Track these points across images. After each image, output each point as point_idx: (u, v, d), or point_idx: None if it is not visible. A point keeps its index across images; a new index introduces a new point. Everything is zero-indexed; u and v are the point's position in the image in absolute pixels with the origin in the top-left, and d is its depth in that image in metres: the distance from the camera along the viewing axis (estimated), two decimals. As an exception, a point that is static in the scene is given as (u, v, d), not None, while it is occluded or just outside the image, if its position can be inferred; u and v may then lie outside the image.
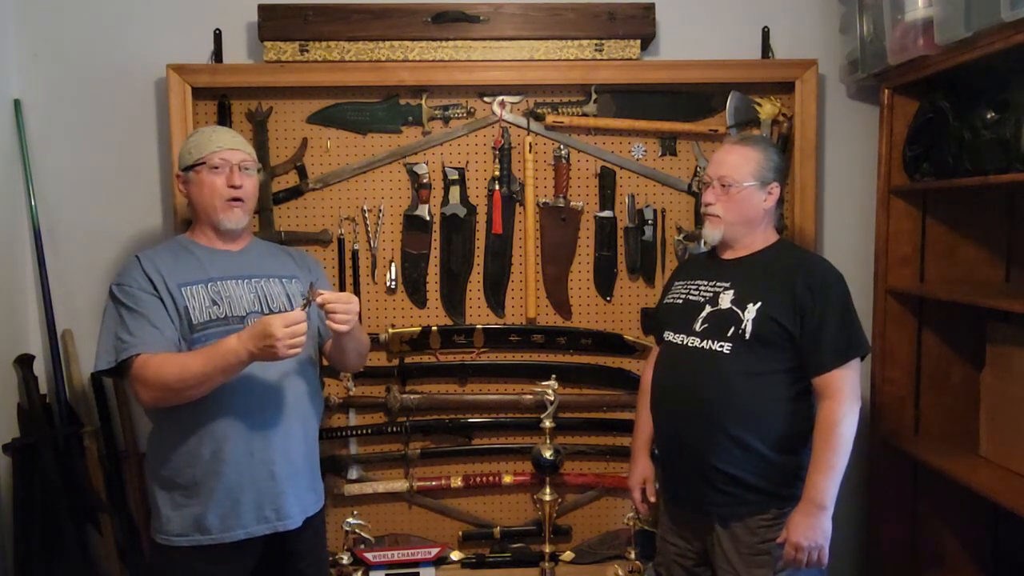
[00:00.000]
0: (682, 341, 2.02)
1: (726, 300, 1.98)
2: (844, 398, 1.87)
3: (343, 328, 1.84)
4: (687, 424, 1.97)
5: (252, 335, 1.71)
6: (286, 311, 1.87)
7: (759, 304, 1.93)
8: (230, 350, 1.73)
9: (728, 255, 2.07)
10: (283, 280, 2.00)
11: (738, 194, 1.99)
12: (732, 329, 1.93)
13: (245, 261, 1.98)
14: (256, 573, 1.94)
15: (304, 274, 2.06)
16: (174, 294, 1.86)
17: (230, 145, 1.93)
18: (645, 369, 2.26)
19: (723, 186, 2.00)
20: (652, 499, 2.19)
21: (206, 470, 1.84)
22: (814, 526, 1.86)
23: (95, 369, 1.84)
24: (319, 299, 1.80)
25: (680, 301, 2.09)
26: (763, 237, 2.05)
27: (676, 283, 2.17)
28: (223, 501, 1.84)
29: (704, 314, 2.00)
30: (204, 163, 1.91)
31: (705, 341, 1.97)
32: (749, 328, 1.91)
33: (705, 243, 2.12)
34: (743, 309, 1.94)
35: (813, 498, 1.87)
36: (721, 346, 1.94)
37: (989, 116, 2.16)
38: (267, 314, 1.86)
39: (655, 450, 2.18)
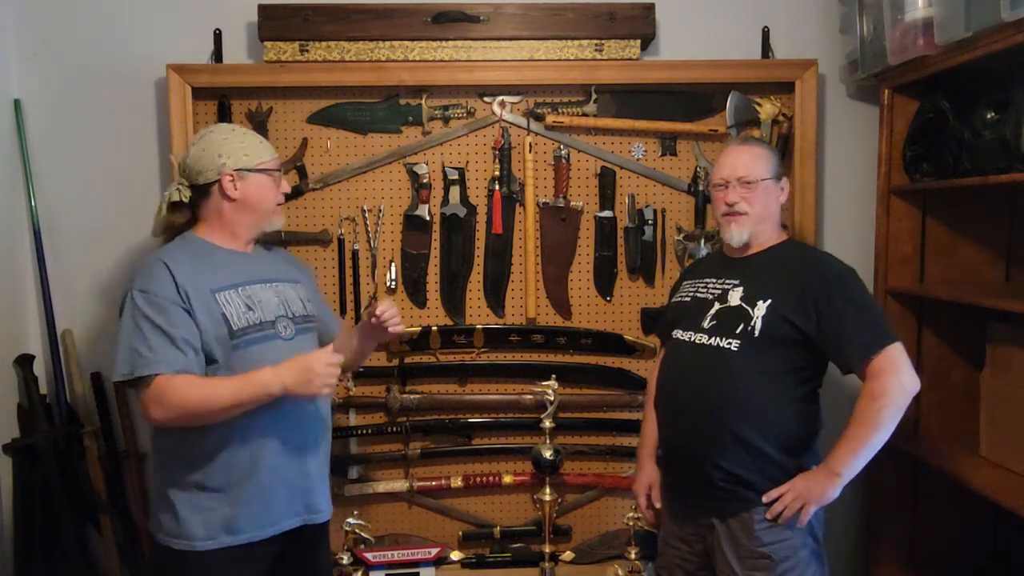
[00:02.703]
0: (689, 338, 2.01)
1: (735, 297, 1.97)
2: (883, 378, 1.82)
3: (400, 330, 2.02)
4: (691, 420, 1.96)
5: (293, 370, 1.74)
6: (303, 315, 1.95)
7: (769, 301, 1.92)
8: (264, 382, 1.73)
9: (735, 253, 2.06)
10: (292, 284, 1.99)
11: (760, 189, 2.00)
12: (741, 326, 1.92)
13: (259, 264, 1.96)
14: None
15: (304, 279, 2.06)
16: (209, 301, 1.79)
17: (275, 154, 1.97)
18: (652, 372, 2.23)
19: (746, 184, 1.99)
20: (657, 505, 2.17)
21: (243, 473, 1.80)
22: (816, 482, 1.86)
23: (113, 378, 1.78)
24: (379, 310, 1.95)
25: (688, 299, 2.09)
26: (774, 235, 2.05)
27: (684, 283, 2.17)
28: (255, 501, 1.81)
29: (713, 311, 1.99)
30: (264, 167, 1.90)
31: (713, 338, 1.96)
32: (758, 325, 1.90)
33: (709, 244, 2.10)
34: (752, 306, 1.93)
35: (829, 462, 1.86)
36: (729, 343, 1.92)
37: (989, 116, 2.16)
38: (290, 318, 1.91)
39: (659, 451, 2.17)
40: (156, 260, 1.82)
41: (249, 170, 1.88)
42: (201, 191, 1.89)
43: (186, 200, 1.91)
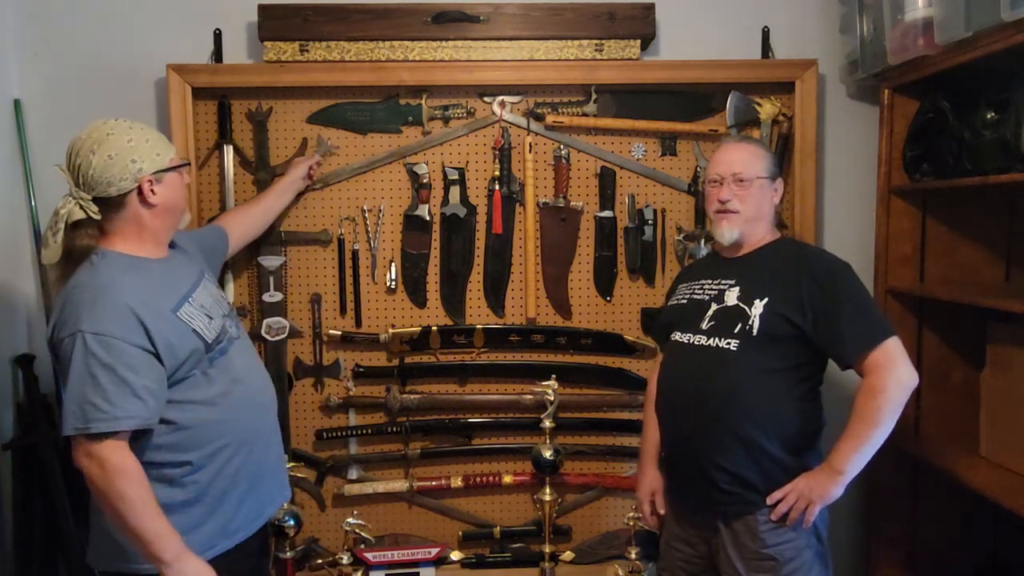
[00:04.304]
0: (688, 340, 2.01)
1: (732, 297, 1.97)
2: (881, 373, 1.82)
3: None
4: (693, 422, 1.96)
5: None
6: (229, 309, 1.90)
7: (766, 300, 1.92)
8: (162, 550, 1.60)
9: (729, 253, 2.07)
10: (206, 276, 1.91)
11: (755, 187, 2.00)
12: (739, 326, 1.92)
13: (183, 266, 1.86)
14: None
15: (196, 255, 1.95)
16: (176, 324, 1.69)
17: (174, 146, 1.85)
18: (651, 376, 2.24)
19: (740, 181, 2.00)
20: (661, 511, 2.17)
21: (235, 476, 1.77)
22: (818, 481, 1.86)
23: (63, 433, 1.59)
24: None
25: (685, 301, 2.09)
26: (768, 234, 2.07)
27: (680, 285, 2.17)
28: (246, 497, 1.80)
29: (711, 312, 1.99)
30: (175, 164, 1.78)
31: (712, 339, 1.96)
32: (756, 324, 1.90)
33: (709, 244, 2.10)
34: (750, 305, 1.93)
35: (831, 460, 1.86)
36: (728, 343, 1.93)
37: (989, 116, 2.16)
38: (226, 315, 1.86)
39: (662, 453, 2.17)
40: (107, 296, 1.63)
41: (165, 170, 1.74)
42: (112, 203, 1.70)
43: (96, 217, 1.70)
